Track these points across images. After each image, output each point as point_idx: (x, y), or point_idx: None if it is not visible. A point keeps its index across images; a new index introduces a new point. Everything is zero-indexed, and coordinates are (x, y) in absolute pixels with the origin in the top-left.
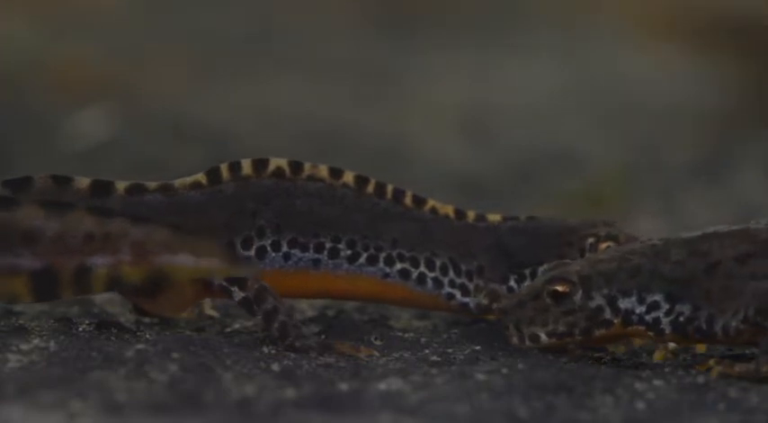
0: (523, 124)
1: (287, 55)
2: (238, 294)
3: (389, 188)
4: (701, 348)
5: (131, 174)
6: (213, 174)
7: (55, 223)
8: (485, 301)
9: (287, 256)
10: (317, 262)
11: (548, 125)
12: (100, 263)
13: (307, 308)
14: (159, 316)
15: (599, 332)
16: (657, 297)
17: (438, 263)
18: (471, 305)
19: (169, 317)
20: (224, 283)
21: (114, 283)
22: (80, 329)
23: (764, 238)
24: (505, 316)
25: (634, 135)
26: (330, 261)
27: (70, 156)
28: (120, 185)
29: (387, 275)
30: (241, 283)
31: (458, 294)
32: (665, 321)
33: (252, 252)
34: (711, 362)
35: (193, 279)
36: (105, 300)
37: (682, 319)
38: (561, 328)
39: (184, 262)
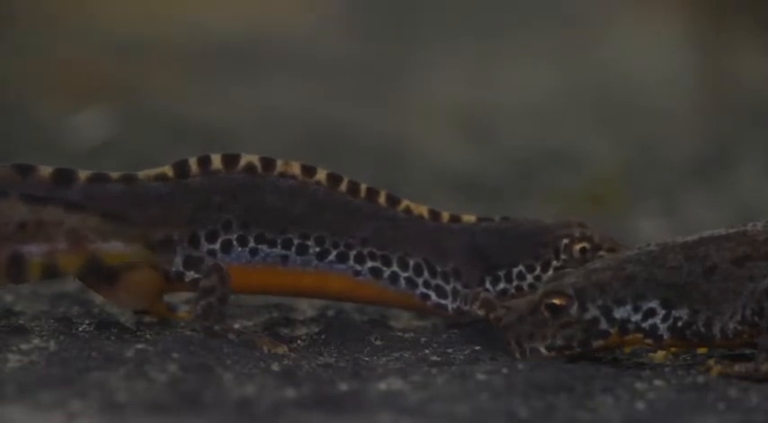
0: (523, 124)
1: (287, 55)
2: (190, 275)
3: (363, 187)
4: (701, 349)
5: None
6: (180, 167)
7: None
8: (480, 312)
9: (254, 252)
10: (285, 258)
11: (548, 124)
12: (35, 251)
13: (307, 308)
14: (124, 307)
15: (597, 343)
16: (653, 304)
17: (411, 262)
18: (449, 307)
19: (135, 308)
20: (180, 269)
21: (50, 272)
22: (80, 329)
23: (762, 240)
24: (506, 332)
25: (634, 134)
26: (299, 257)
27: (70, 156)
28: (83, 174)
29: (357, 273)
30: (197, 265)
31: (433, 295)
32: (662, 327)
33: (217, 245)
34: (711, 361)
35: (128, 265)
36: (105, 300)
37: (680, 323)
38: (560, 342)
39: (115, 248)
